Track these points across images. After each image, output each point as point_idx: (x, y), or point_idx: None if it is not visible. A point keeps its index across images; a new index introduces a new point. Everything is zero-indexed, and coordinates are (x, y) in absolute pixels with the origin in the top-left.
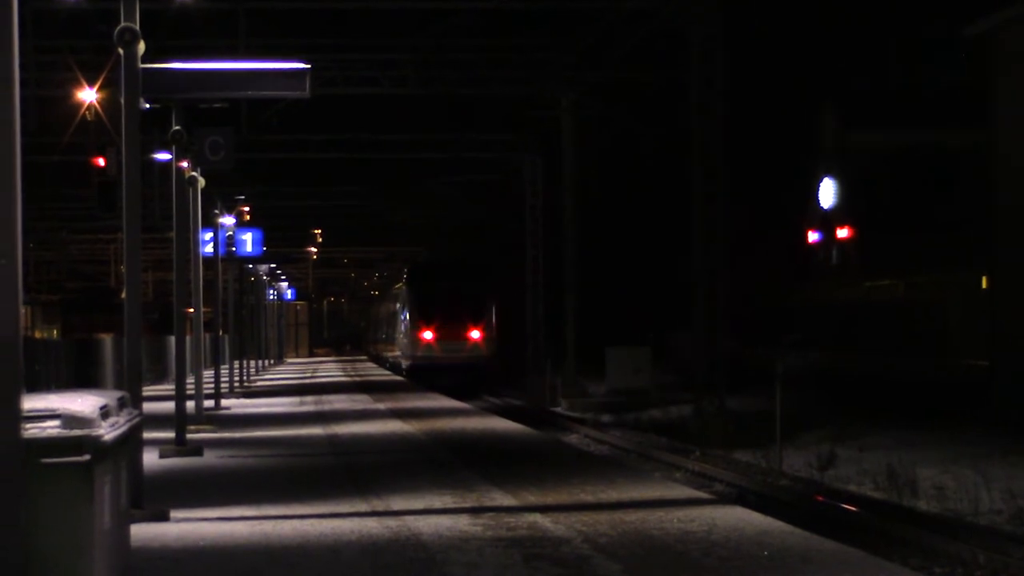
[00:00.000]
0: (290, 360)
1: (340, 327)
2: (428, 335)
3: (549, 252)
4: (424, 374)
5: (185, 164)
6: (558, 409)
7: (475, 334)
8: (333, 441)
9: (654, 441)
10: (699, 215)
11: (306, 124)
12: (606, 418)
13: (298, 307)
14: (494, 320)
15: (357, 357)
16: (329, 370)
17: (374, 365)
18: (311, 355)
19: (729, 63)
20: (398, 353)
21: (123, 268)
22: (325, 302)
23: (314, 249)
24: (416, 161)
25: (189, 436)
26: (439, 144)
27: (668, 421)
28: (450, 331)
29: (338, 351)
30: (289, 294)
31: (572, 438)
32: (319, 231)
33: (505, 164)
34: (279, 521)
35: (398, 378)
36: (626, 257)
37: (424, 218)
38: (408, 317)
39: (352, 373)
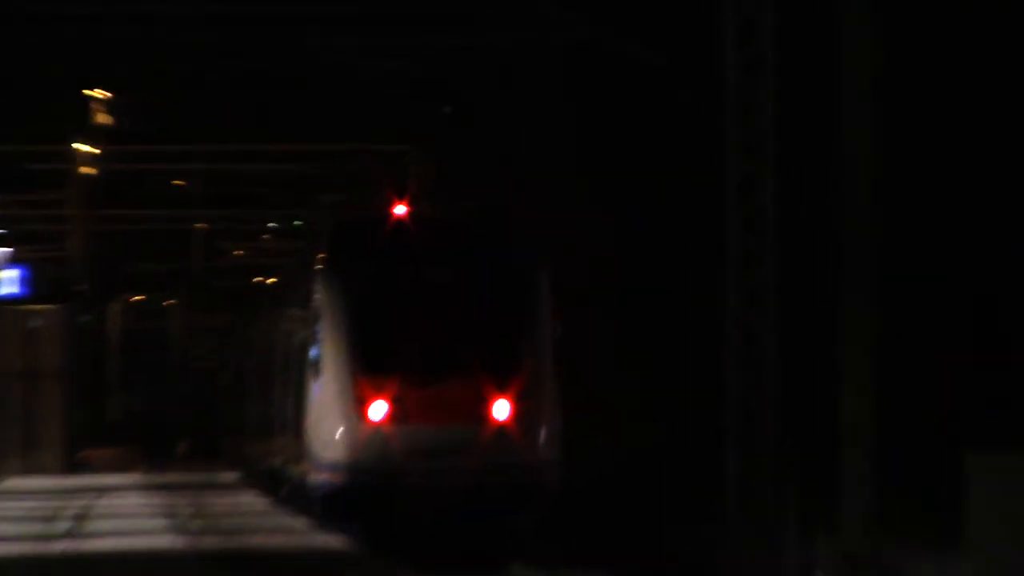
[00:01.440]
0: (9, 487)
1: (162, 383)
2: (379, 409)
3: (786, 188)
4: (373, 510)
5: None
6: None
7: (501, 409)
8: None
9: None
10: None
11: None
12: None
13: (38, 321)
14: (551, 367)
15: (211, 473)
16: (126, 516)
17: (261, 498)
18: (72, 468)
19: None
20: (307, 458)
21: None
22: (119, 307)
23: (85, 149)
24: None
25: None
26: None
27: None
28: (437, 396)
29: (156, 457)
30: (9, 282)
31: None
32: (104, 96)
33: None
34: None
35: (323, 542)
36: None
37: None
38: (326, 358)
39: (193, 521)
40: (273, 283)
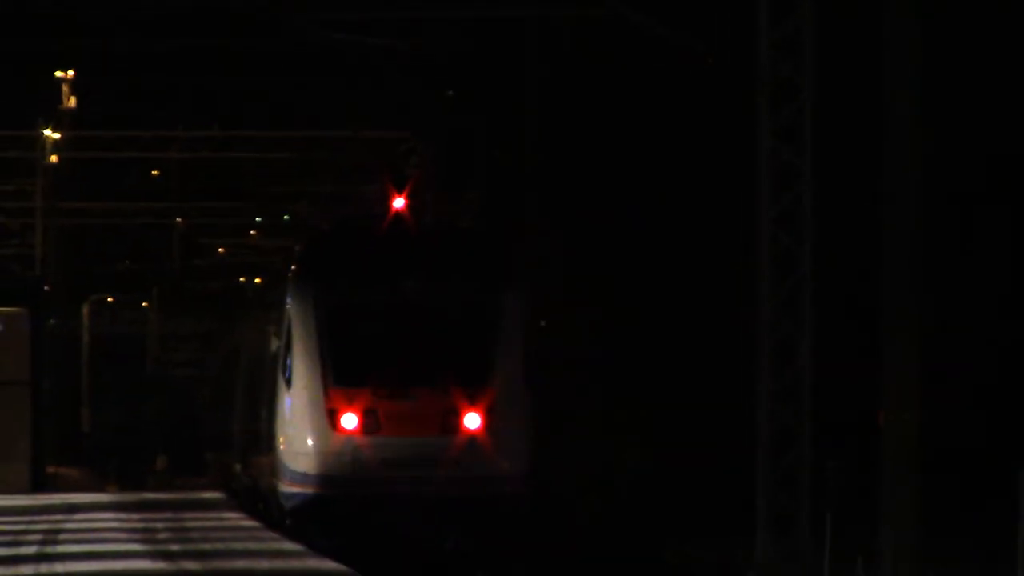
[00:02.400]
0: None
1: (139, 393)
2: (350, 420)
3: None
4: (344, 521)
5: None
6: None
7: (472, 420)
8: None
9: None
10: None
11: None
12: None
13: (0, 325)
14: (524, 379)
15: (193, 492)
16: (100, 537)
17: (246, 520)
18: (41, 484)
19: None
20: (279, 471)
21: None
22: (86, 309)
23: (52, 135)
24: None
25: None
26: None
27: None
28: (409, 407)
29: (132, 472)
30: None
31: None
32: (68, 76)
33: None
34: None
35: (314, 565)
36: None
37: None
38: (298, 368)
39: (172, 543)
40: (254, 286)
